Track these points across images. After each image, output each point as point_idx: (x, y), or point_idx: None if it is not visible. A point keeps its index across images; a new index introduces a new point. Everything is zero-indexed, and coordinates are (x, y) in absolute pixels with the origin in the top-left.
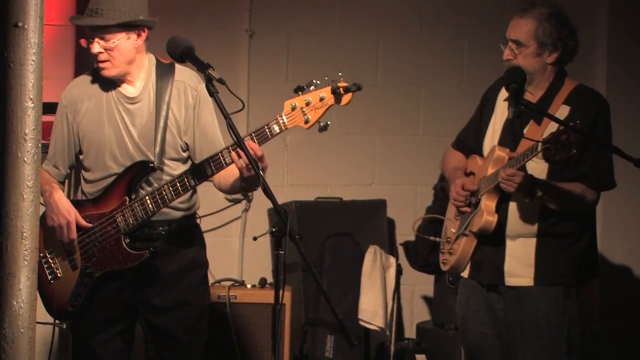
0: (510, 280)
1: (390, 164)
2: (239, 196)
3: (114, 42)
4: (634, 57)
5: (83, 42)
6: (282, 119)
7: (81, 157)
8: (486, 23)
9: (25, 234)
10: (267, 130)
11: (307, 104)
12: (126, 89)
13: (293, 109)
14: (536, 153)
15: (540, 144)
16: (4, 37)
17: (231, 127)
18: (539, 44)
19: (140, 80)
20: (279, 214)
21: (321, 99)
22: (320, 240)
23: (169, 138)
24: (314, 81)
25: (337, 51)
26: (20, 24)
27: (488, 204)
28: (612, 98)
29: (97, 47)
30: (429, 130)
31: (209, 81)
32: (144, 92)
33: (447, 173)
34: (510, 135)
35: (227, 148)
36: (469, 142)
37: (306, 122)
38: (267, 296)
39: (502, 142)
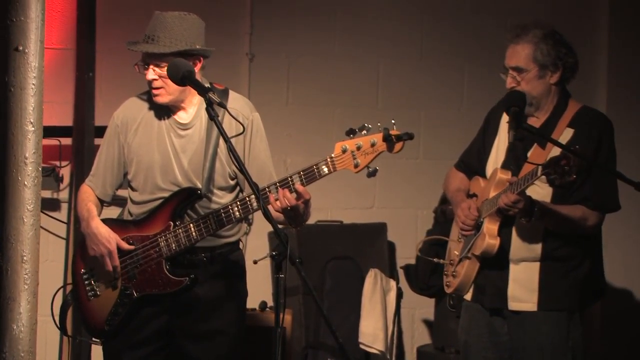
0: (513, 305)
1: (390, 187)
2: None
3: None
4: (635, 74)
5: (137, 67)
6: (332, 161)
7: (129, 177)
8: (486, 46)
9: (25, 258)
10: (315, 170)
11: (358, 148)
12: (179, 115)
13: (344, 151)
14: (536, 178)
15: (540, 168)
16: (5, 61)
17: (232, 151)
18: (539, 67)
19: (193, 107)
20: (280, 238)
21: (372, 145)
22: (321, 264)
23: (218, 166)
24: (366, 125)
25: (337, 74)
26: (21, 48)
27: (490, 227)
28: (613, 116)
29: (151, 73)
30: (430, 154)
31: (209, 105)
32: (196, 118)
33: (449, 194)
34: (514, 159)
35: (275, 184)
36: (472, 163)
37: (355, 166)
38: (268, 319)
39: (506, 165)
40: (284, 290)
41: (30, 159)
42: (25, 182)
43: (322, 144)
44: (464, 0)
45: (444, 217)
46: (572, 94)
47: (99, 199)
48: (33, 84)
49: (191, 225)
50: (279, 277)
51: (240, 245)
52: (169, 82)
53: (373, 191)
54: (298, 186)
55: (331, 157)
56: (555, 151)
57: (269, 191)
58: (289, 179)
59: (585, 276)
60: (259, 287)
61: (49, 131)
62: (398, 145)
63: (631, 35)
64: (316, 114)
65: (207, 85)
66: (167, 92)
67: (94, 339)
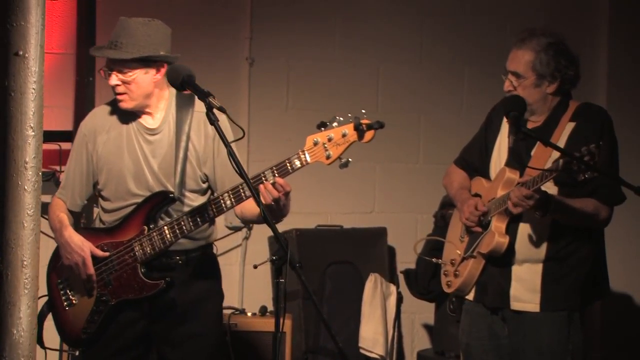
0: (515, 305)
1: (390, 191)
2: (239, 224)
3: (131, 76)
4: (635, 77)
5: (102, 72)
6: (304, 154)
7: (99, 187)
8: (486, 50)
9: (25, 263)
10: (288, 164)
11: (329, 140)
12: (146, 120)
13: (315, 144)
14: (556, 172)
15: (561, 162)
16: (5, 66)
17: (232, 155)
18: (537, 76)
19: (160, 112)
20: (280, 242)
21: (343, 135)
22: (321, 269)
23: (189, 169)
24: (337, 117)
25: (337, 79)
26: (21, 53)
27: (498, 225)
28: (613, 118)
29: (114, 79)
30: (429, 158)
31: (209, 109)
32: (164, 123)
33: (452, 192)
34: (517, 158)
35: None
36: (473, 161)
37: (327, 157)
38: (268, 324)
39: (509, 165)
40: (284, 295)
41: (31, 163)
42: (26, 187)
43: None
44: (464, 4)
45: (443, 221)
46: (572, 95)
47: (70, 210)
48: (33, 88)
49: (165, 228)
50: (279, 282)
51: (215, 250)
52: (132, 87)
53: (373, 196)
54: (278, 179)
55: (303, 150)
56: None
57: (243, 188)
58: (262, 175)
59: (586, 275)
60: (259, 292)
61: (49, 136)
62: (369, 134)
63: (631, 37)
64: (316, 119)
65: (173, 89)
66: (131, 97)
67: (71, 348)
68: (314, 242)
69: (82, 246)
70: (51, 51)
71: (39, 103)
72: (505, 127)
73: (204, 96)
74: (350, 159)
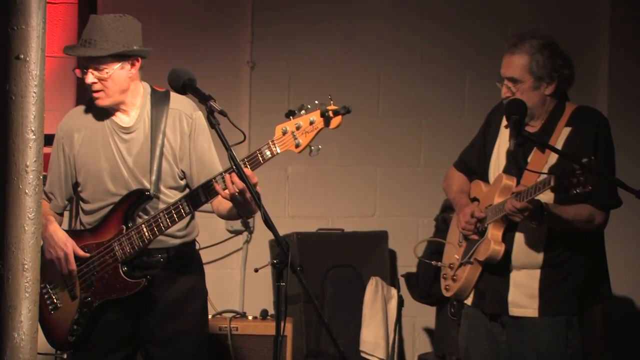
0: (514, 311)
1: (391, 195)
2: (240, 227)
3: (107, 73)
4: (636, 80)
5: (77, 72)
6: (274, 144)
7: (79, 188)
8: (487, 53)
9: (26, 266)
10: (259, 155)
11: (298, 128)
12: (121, 119)
13: (284, 133)
14: (548, 187)
15: (553, 178)
16: (6, 69)
17: (233, 159)
18: (534, 78)
19: (135, 110)
20: (281, 246)
21: (311, 123)
22: (322, 272)
23: (166, 166)
24: (305, 105)
25: (338, 82)
26: (22, 56)
27: (495, 233)
28: (613, 122)
29: (90, 77)
30: (430, 162)
31: (210, 113)
32: (139, 121)
33: (451, 195)
34: (514, 164)
35: (221, 174)
36: (472, 164)
37: (297, 146)
38: (269, 328)
39: (507, 170)
40: (284, 299)
41: (32, 167)
42: (27, 191)
43: (323, 152)
44: (465, 8)
45: (444, 224)
46: (573, 99)
47: (56, 212)
48: (34, 92)
49: (143, 226)
50: (279, 285)
51: (197, 246)
52: (109, 84)
53: (374, 199)
54: (245, 169)
55: (272, 141)
56: (555, 155)
57: (216, 181)
58: (233, 166)
59: (584, 279)
60: (260, 295)
61: (50, 139)
62: (336, 120)
63: (632, 41)
64: None
65: (148, 87)
66: (107, 94)
67: (58, 352)
68: (315, 246)
69: (65, 242)
70: (52, 55)
71: (40, 107)
72: (503, 132)
73: (205, 100)
74: (320, 147)
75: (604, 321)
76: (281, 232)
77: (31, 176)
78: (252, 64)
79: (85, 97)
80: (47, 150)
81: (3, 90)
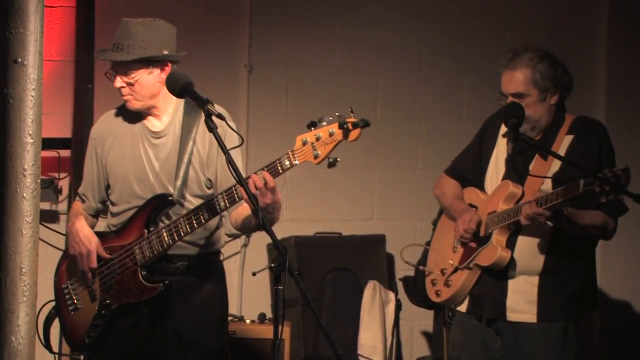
0: (512, 316)
1: (389, 199)
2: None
3: (134, 77)
4: (634, 85)
5: (108, 76)
6: (293, 154)
7: (109, 191)
8: (486, 58)
9: (24, 270)
10: (278, 165)
11: (317, 139)
12: (152, 123)
13: (304, 144)
14: (575, 193)
15: (582, 183)
16: (4, 73)
17: (230, 163)
18: (540, 90)
19: (168, 115)
20: (278, 249)
21: (330, 135)
22: (320, 276)
23: (192, 173)
24: (325, 116)
25: (336, 86)
26: (20, 60)
27: (500, 239)
28: (611, 127)
29: (119, 81)
30: (429, 166)
31: (208, 117)
32: (170, 126)
33: (447, 202)
34: (515, 171)
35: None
36: (466, 172)
37: (315, 157)
38: (267, 331)
39: (507, 177)
40: (282, 302)
41: (29, 170)
42: (24, 194)
43: None
44: (464, 11)
45: None
46: (572, 104)
47: (88, 214)
48: (32, 95)
49: (164, 231)
50: (277, 289)
51: (221, 257)
52: (137, 88)
53: (372, 203)
54: (264, 173)
55: (292, 151)
56: (558, 162)
57: (236, 189)
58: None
59: (582, 286)
60: (258, 299)
61: (48, 143)
62: (354, 133)
63: (630, 45)
64: None
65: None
66: (136, 98)
67: (76, 353)
68: (313, 249)
69: (90, 239)
70: (50, 58)
71: (37, 110)
72: (501, 140)
73: (203, 103)
74: (338, 159)
75: (602, 325)
76: (279, 236)
77: (29, 180)
78: (250, 68)
79: (83, 102)
80: (44, 154)
81: (1, 94)
